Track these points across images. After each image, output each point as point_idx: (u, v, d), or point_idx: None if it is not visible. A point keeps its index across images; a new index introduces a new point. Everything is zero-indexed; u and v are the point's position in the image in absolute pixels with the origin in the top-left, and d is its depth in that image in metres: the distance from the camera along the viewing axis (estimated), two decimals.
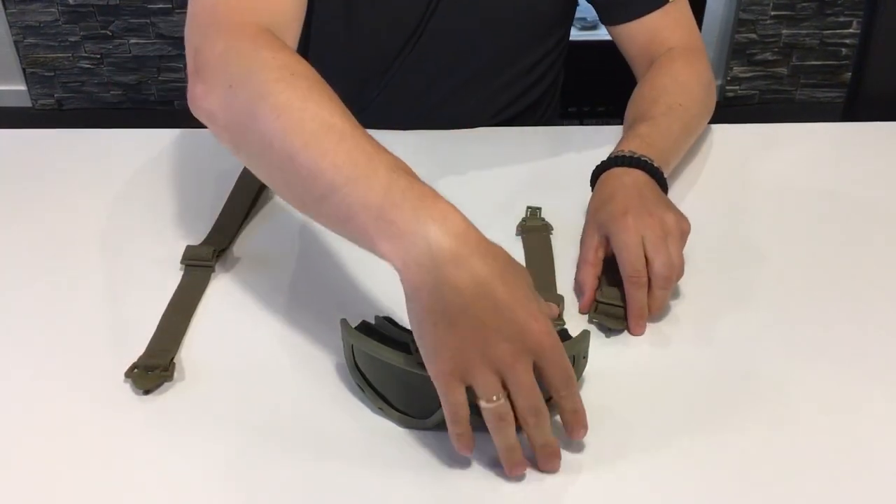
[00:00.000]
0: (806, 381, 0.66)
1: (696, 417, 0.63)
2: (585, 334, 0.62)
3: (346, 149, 0.59)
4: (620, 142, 0.85)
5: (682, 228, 0.75)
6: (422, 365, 0.56)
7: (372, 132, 0.60)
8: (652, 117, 0.88)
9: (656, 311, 0.72)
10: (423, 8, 0.97)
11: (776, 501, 0.57)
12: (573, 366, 0.58)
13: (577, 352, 0.61)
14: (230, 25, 0.71)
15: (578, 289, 0.76)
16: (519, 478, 0.58)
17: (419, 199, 0.56)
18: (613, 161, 0.81)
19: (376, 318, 0.66)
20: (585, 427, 0.59)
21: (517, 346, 0.54)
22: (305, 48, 1.03)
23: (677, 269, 0.73)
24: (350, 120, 0.61)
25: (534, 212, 0.85)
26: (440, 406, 0.57)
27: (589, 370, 0.65)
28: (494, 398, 0.55)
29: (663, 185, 0.81)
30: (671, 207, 0.77)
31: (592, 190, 0.82)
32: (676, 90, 0.92)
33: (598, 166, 0.83)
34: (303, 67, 0.66)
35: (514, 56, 1.05)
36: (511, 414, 0.56)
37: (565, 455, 0.60)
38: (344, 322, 0.63)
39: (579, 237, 0.80)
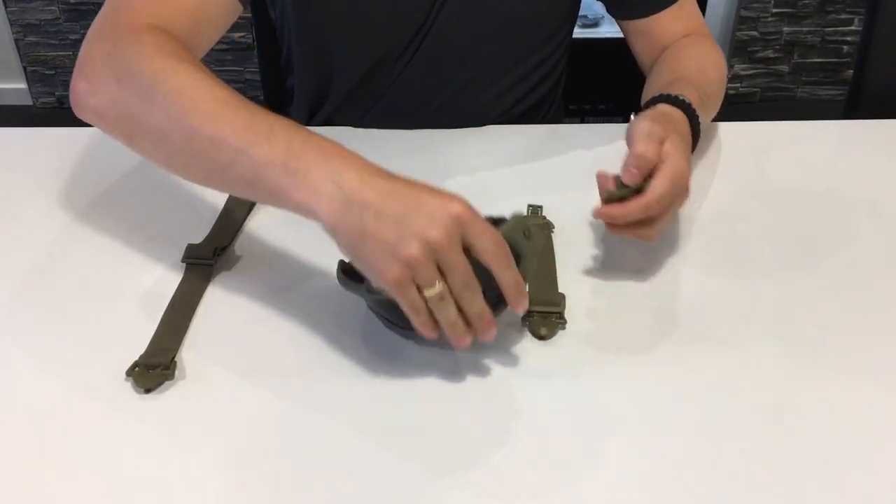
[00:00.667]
0: (807, 380, 0.66)
1: (695, 418, 0.63)
2: (517, 216, 0.66)
3: (243, 117, 0.64)
4: (677, 89, 0.83)
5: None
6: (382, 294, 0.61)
7: (376, 132, 0.62)
8: (697, 85, 0.87)
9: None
10: (429, 7, 0.96)
11: (776, 501, 0.57)
12: (522, 245, 0.62)
13: (523, 227, 0.64)
14: (124, 28, 0.74)
15: (633, 168, 0.72)
16: (519, 477, 0.58)
17: (318, 147, 0.62)
18: (681, 103, 0.81)
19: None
20: (526, 297, 0.62)
21: (437, 225, 0.58)
22: (310, 48, 1.03)
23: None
24: (240, 96, 0.66)
25: (535, 210, 0.85)
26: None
27: (588, 369, 0.65)
28: (435, 284, 0.58)
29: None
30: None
31: (642, 108, 0.82)
32: (698, 67, 0.93)
33: (658, 98, 0.82)
34: (187, 55, 0.70)
35: (520, 55, 1.04)
36: (449, 294, 0.60)
37: (566, 455, 0.60)
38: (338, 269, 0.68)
39: (581, 236, 0.80)
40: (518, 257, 0.62)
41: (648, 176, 0.72)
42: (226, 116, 0.64)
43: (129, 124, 0.70)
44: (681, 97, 0.82)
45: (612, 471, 0.59)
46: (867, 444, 0.61)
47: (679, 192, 0.73)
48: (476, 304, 0.61)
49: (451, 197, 0.59)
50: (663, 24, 1.00)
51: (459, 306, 0.60)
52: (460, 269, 0.59)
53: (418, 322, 0.61)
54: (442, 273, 0.59)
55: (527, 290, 0.64)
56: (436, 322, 0.61)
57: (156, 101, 0.67)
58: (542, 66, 1.07)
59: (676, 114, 0.80)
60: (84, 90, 0.72)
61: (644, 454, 0.60)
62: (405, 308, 0.60)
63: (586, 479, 0.58)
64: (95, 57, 0.73)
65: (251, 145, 0.62)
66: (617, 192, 0.72)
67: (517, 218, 0.67)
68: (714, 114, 0.95)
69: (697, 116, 0.81)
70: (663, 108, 0.80)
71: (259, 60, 1.31)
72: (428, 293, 0.59)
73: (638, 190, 0.72)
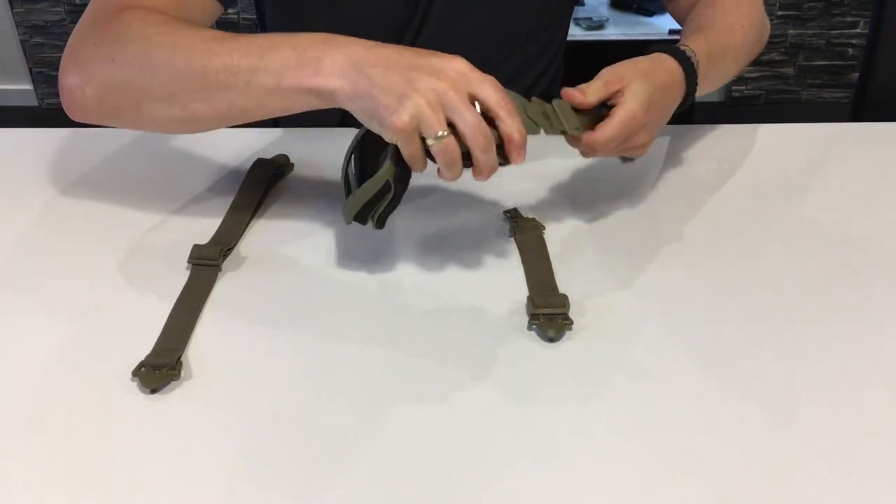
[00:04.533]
0: (808, 381, 0.66)
1: (695, 418, 0.63)
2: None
3: (244, 42, 0.69)
4: (689, 39, 0.85)
5: (639, 146, 0.80)
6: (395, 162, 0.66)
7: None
8: (713, 32, 0.88)
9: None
10: (414, 7, 0.96)
11: (776, 501, 0.57)
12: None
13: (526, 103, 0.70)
14: (106, 18, 0.76)
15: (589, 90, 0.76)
16: (519, 474, 0.58)
17: (323, 37, 0.68)
18: (670, 48, 0.82)
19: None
20: (524, 149, 0.66)
21: (443, 75, 0.63)
22: None
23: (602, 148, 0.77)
24: (228, 32, 0.72)
25: (513, 214, 0.85)
26: (389, 153, 0.67)
27: (587, 369, 0.65)
28: (440, 134, 0.62)
29: (686, 98, 0.83)
30: (665, 122, 0.82)
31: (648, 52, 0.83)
32: (720, 17, 0.92)
33: (659, 44, 0.84)
34: (172, 19, 0.74)
35: (511, 53, 1.04)
36: (457, 149, 0.64)
37: (566, 455, 0.60)
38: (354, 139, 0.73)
39: (574, 236, 0.80)
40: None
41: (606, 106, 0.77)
42: (228, 45, 0.69)
43: (135, 96, 0.72)
44: (682, 48, 0.82)
45: (610, 469, 0.59)
46: (867, 445, 0.61)
47: (631, 134, 0.76)
48: (490, 155, 0.64)
49: (454, 56, 0.64)
50: None
51: (471, 149, 0.64)
52: (470, 112, 0.62)
53: (415, 169, 0.67)
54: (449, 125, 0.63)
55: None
56: (424, 156, 0.66)
57: (157, 61, 0.70)
58: (531, 68, 1.07)
59: (666, 63, 0.81)
60: (77, 84, 0.74)
61: (642, 453, 0.60)
62: (406, 157, 0.66)
63: (583, 477, 0.58)
64: (81, 51, 0.75)
65: (262, 57, 0.67)
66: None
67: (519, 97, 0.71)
68: (741, 61, 0.94)
69: (694, 68, 0.82)
70: (655, 55, 0.81)
71: None
72: (434, 141, 0.62)
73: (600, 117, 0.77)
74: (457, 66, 0.63)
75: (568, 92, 0.76)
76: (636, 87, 0.77)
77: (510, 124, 0.65)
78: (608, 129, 0.75)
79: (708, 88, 0.87)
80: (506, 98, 0.65)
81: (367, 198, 0.71)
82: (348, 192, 0.74)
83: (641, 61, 0.80)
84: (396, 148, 0.67)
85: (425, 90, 0.62)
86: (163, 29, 0.72)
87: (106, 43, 0.74)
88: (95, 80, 0.73)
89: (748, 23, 0.93)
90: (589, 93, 0.76)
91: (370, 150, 0.73)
